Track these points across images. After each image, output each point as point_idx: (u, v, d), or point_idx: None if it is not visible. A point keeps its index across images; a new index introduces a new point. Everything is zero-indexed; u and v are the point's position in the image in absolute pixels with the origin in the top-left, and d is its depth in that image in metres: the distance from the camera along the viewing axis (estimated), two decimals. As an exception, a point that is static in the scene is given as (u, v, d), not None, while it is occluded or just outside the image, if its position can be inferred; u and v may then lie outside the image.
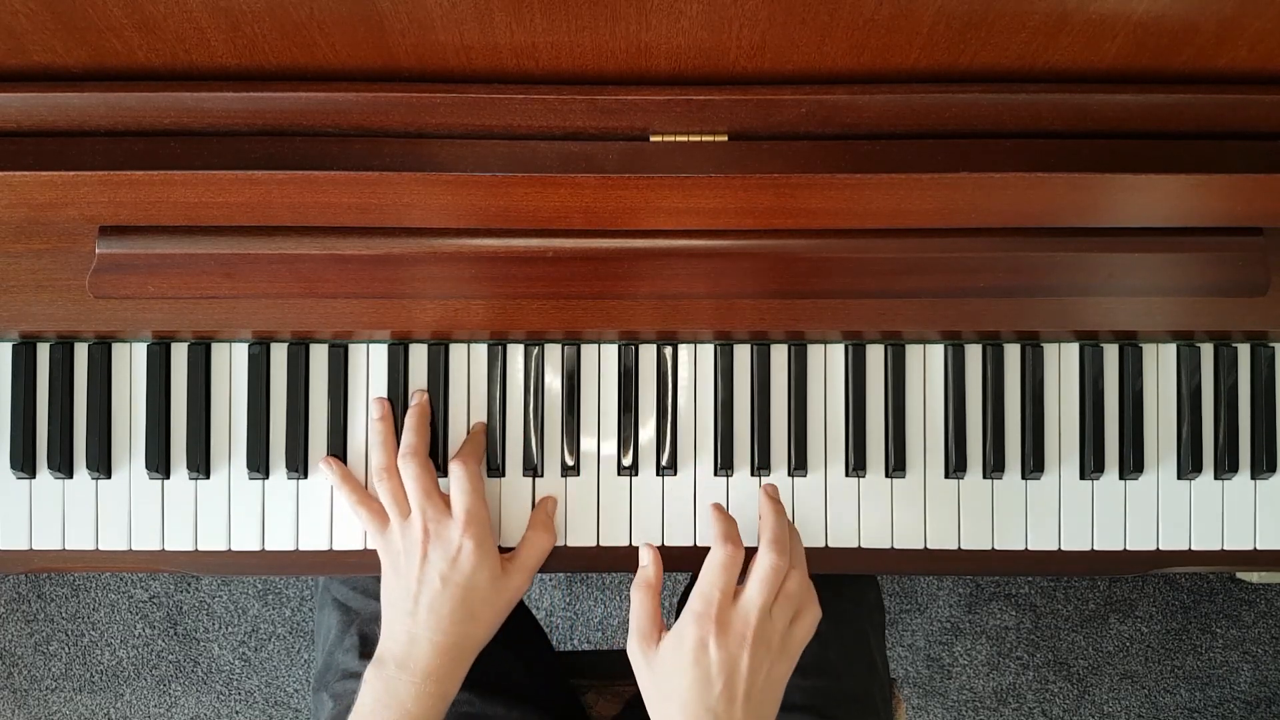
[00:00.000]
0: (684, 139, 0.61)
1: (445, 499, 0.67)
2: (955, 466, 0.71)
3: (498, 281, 0.66)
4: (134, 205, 0.60)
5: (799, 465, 0.71)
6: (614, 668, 0.88)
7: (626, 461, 0.71)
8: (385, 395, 0.71)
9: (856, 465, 0.71)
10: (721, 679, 0.59)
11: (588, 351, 0.72)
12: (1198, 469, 0.72)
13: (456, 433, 0.71)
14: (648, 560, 0.66)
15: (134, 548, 0.70)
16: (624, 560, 0.71)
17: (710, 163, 0.60)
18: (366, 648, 0.76)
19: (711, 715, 0.59)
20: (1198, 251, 0.66)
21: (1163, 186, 0.60)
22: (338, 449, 0.70)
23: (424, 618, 0.63)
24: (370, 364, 0.71)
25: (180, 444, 0.70)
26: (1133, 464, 0.71)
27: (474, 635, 0.65)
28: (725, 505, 0.71)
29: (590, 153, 0.60)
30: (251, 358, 0.70)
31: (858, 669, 0.77)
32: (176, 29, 0.54)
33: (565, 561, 0.72)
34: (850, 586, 0.81)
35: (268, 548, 0.71)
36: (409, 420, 0.69)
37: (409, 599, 0.64)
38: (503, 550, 0.70)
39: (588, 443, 0.72)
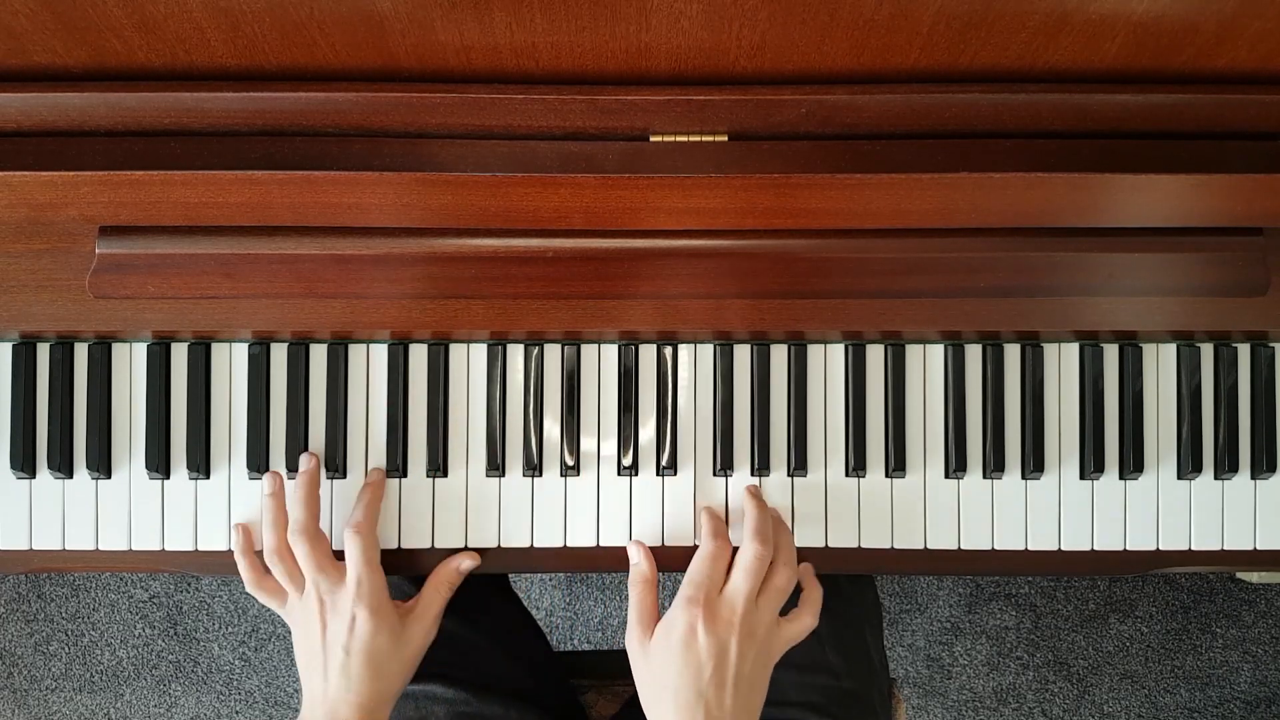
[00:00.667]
0: (684, 139, 0.61)
1: (339, 567, 0.66)
2: (955, 466, 0.71)
3: (498, 281, 0.66)
4: (134, 205, 0.60)
5: (799, 465, 0.71)
6: (614, 668, 0.88)
7: (626, 461, 0.71)
8: (386, 395, 0.71)
9: (856, 465, 0.71)
10: (711, 664, 0.61)
11: (588, 351, 0.72)
12: (1198, 469, 0.72)
13: (456, 433, 0.71)
14: (639, 557, 0.69)
15: (134, 548, 0.70)
16: (624, 560, 0.71)
17: (710, 163, 0.60)
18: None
19: (701, 700, 0.60)
20: (1198, 251, 0.66)
21: (1163, 186, 0.60)
22: (337, 449, 0.70)
23: (335, 682, 0.64)
24: (370, 364, 0.71)
25: (180, 444, 0.70)
26: (1133, 464, 0.71)
27: (387, 690, 0.66)
28: (725, 505, 0.71)
29: (590, 153, 0.60)
30: (251, 358, 0.70)
31: (856, 667, 0.77)
32: (176, 29, 0.54)
33: (565, 561, 0.72)
34: (848, 586, 0.81)
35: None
36: (295, 494, 0.68)
37: (319, 668, 0.65)
38: (507, 550, 0.70)
39: (588, 443, 0.72)
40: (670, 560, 0.70)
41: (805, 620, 0.66)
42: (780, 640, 0.65)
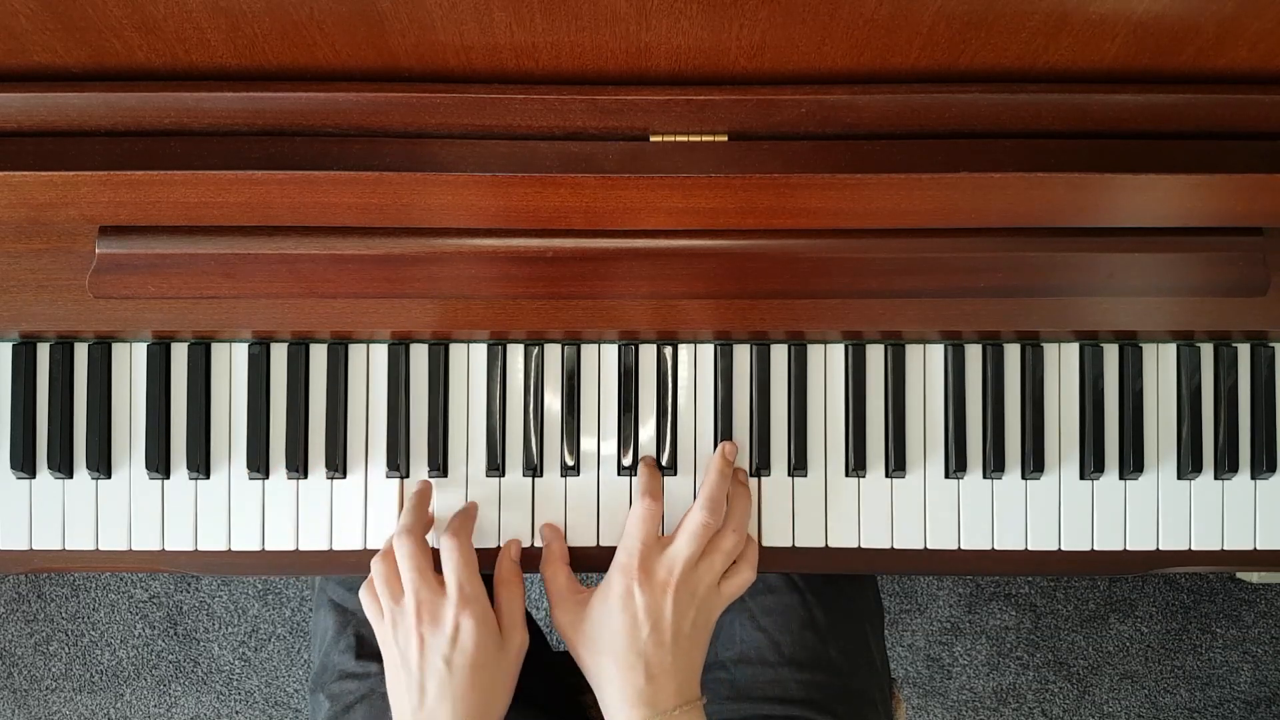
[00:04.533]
0: (684, 139, 0.61)
1: (440, 578, 0.63)
2: (955, 466, 0.71)
3: (498, 281, 0.66)
4: (134, 205, 0.60)
5: (799, 465, 0.71)
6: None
7: (626, 461, 0.71)
8: (386, 395, 0.71)
9: (856, 465, 0.71)
10: (649, 623, 0.61)
11: (588, 351, 0.72)
12: (1198, 469, 0.72)
13: (456, 433, 0.71)
14: (550, 537, 0.69)
15: (134, 548, 0.70)
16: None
17: (710, 163, 0.60)
18: (363, 648, 0.76)
19: (642, 658, 0.61)
20: (1198, 251, 0.66)
21: (1163, 186, 0.60)
22: (337, 449, 0.70)
23: (435, 707, 0.59)
24: (370, 364, 0.71)
25: (180, 444, 0.70)
26: (1133, 464, 0.71)
27: (494, 713, 0.62)
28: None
29: (590, 153, 0.60)
30: (251, 358, 0.70)
31: (857, 666, 0.77)
32: (176, 29, 0.54)
33: (565, 561, 0.72)
34: (849, 585, 0.81)
35: (268, 548, 0.71)
36: (409, 502, 0.67)
37: (415, 691, 0.60)
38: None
39: (588, 443, 0.72)
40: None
41: (744, 574, 0.66)
42: (721, 599, 0.65)
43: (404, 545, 0.63)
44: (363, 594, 0.65)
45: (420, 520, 0.66)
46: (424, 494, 0.69)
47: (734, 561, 0.67)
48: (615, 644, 0.62)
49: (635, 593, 0.62)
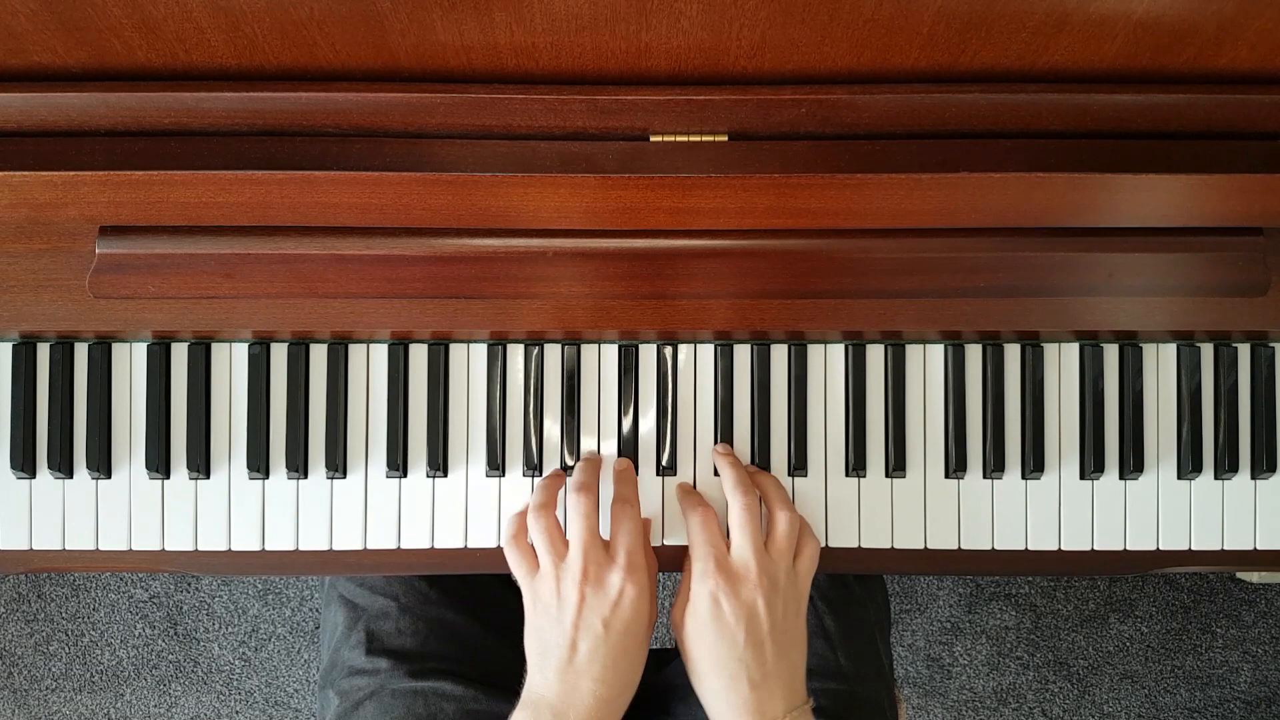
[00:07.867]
0: (684, 139, 0.61)
1: (607, 543, 0.63)
2: (955, 466, 0.71)
3: (498, 281, 0.66)
4: (134, 205, 0.60)
5: (799, 465, 0.71)
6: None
7: (626, 461, 0.71)
8: (386, 395, 0.71)
9: (856, 465, 0.71)
10: (742, 627, 0.59)
11: (588, 351, 0.72)
12: (1198, 469, 0.72)
13: (456, 433, 0.71)
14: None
15: (134, 548, 0.70)
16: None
17: (710, 163, 0.60)
18: (373, 644, 0.76)
19: (743, 664, 0.59)
20: (1198, 251, 0.66)
21: (1163, 186, 0.60)
22: (337, 449, 0.70)
23: (586, 666, 0.59)
24: (370, 364, 0.71)
25: (180, 444, 0.70)
26: (1133, 464, 0.71)
27: (633, 686, 0.61)
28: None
29: (590, 153, 0.60)
30: (251, 358, 0.70)
31: (866, 673, 0.77)
32: (176, 29, 0.54)
33: (565, 561, 0.72)
34: (860, 590, 0.81)
35: (268, 548, 0.71)
36: (582, 464, 0.68)
37: (564, 646, 0.59)
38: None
39: (588, 442, 0.72)
40: (670, 560, 0.70)
41: (809, 546, 0.65)
42: (801, 580, 0.63)
43: (583, 502, 0.63)
44: (510, 547, 0.65)
45: (595, 481, 0.66)
46: (596, 460, 0.69)
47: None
48: (713, 657, 0.59)
49: (721, 598, 0.60)
